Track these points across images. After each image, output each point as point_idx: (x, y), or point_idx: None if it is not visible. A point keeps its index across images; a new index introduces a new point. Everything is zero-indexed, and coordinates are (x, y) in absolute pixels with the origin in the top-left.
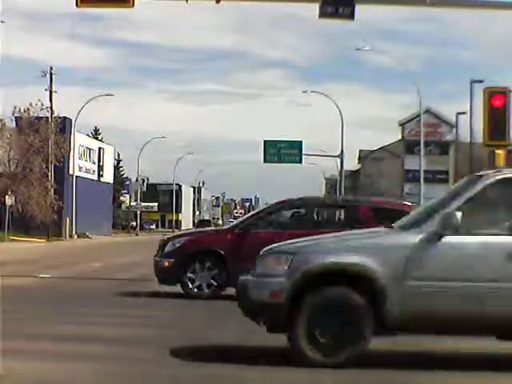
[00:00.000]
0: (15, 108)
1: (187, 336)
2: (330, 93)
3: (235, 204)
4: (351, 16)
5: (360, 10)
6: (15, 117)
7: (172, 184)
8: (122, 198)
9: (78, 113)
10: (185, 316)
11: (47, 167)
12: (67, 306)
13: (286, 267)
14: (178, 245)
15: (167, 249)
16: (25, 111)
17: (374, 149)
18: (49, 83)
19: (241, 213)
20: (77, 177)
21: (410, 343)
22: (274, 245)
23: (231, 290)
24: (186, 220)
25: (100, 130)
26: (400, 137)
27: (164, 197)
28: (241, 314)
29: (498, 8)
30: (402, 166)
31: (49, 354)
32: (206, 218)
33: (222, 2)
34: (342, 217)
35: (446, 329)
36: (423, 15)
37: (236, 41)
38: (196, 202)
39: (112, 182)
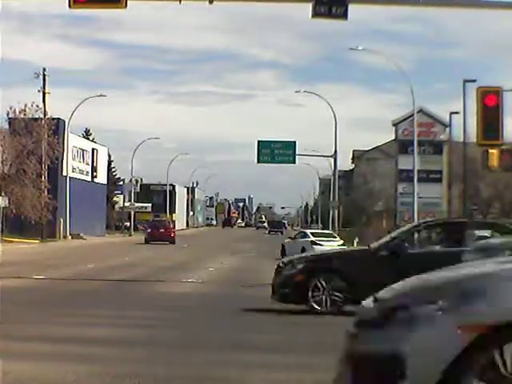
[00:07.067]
0: (10, 109)
1: (185, 337)
2: (322, 93)
3: (229, 204)
4: (344, 16)
5: (352, 9)
6: (9, 118)
7: (165, 184)
8: (115, 198)
9: (72, 114)
10: (183, 317)
11: (41, 168)
12: (62, 308)
13: None
14: None
15: None
16: (20, 112)
17: (368, 149)
18: (42, 85)
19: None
20: (70, 178)
21: None
22: None
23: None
24: (180, 220)
25: (91, 131)
26: (393, 137)
27: (158, 197)
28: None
29: (487, 7)
30: (396, 165)
31: (46, 355)
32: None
33: (214, 3)
34: None
35: None
36: (415, 15)
37: (228, 42)
38: (190, 202)
39: (105, 182)
